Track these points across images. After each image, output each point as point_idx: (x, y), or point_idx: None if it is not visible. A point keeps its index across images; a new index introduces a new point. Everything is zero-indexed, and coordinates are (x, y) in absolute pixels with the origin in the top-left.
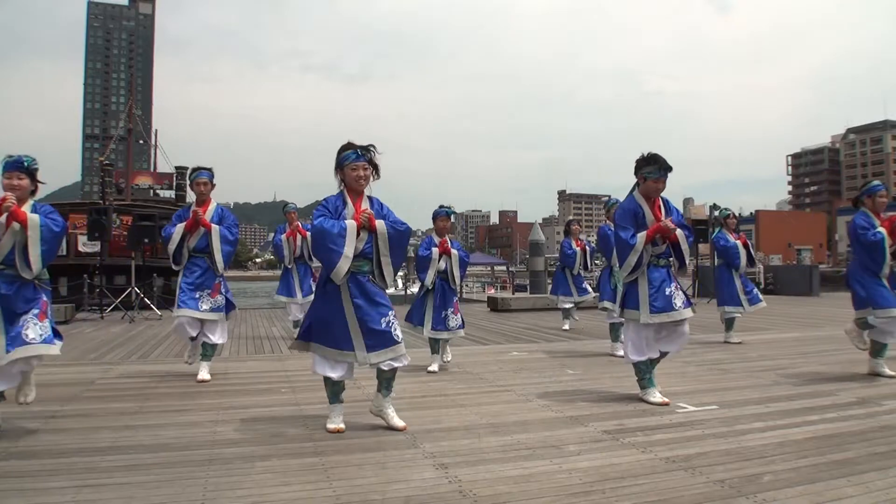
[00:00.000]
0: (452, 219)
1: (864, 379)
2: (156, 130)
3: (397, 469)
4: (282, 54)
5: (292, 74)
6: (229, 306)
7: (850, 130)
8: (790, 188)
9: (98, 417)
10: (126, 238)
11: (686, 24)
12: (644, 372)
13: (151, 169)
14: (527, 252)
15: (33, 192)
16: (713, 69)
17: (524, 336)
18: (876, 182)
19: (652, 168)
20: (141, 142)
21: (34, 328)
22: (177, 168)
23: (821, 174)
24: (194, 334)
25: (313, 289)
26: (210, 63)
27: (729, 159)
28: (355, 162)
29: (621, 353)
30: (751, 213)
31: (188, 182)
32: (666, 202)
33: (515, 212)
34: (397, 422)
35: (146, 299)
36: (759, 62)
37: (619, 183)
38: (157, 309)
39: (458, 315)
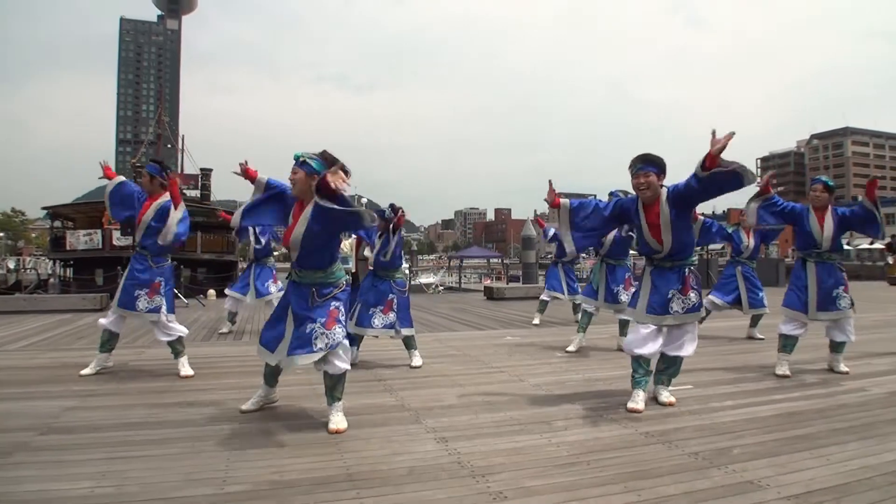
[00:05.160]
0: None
1: (824, 363)
2: (183, 135)
3: (402, 443)
4: (297, 65)
5: (306, 84)
6: (170, 304)
7: (813, 136)
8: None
9: (130, 396)
10: None
11: (666, 39)
12: (635, 369)
13: (179, 170)
14: (520, 246)
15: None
16: (694, 79)
17: (517, 322)
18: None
19: (632, 164)
20: (169, 146)
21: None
22: (202, 170)
23: (787, 175)
24: (115, 330)
25: (270, 289)
26: (231, 74)
27: None
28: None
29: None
30: (723, 211)
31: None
32: (672, 207)
33: (510, 209)
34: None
35: (174, 289)
36: (734, 74)
37: (608, 183)
38: (184, 298)
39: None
